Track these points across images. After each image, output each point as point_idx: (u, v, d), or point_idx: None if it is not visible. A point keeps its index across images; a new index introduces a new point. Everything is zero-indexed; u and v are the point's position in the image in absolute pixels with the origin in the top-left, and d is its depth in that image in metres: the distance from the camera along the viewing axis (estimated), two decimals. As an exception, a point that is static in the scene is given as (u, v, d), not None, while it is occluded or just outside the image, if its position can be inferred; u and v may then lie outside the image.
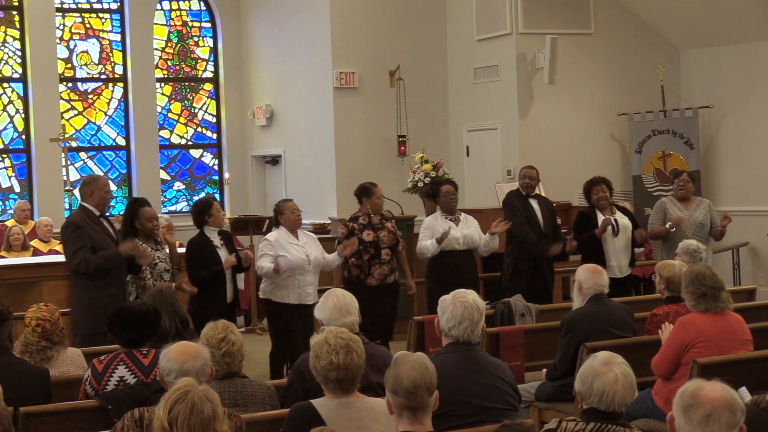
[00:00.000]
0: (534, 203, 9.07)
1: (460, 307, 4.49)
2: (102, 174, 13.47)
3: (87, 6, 14.33)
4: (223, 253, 7.89)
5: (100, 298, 7.19)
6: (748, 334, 5.76)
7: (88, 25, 14.28)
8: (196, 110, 15.01)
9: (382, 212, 8.55)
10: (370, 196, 8.42)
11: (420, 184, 11.40)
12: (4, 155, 13.75)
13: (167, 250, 7.77)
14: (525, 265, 8.88)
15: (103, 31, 14.35)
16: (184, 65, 14.92)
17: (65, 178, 12.50)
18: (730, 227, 9.19)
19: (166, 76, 14.80)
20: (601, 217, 8.78)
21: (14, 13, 13.75)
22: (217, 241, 7.91)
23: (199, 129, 15.04)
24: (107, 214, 7.77)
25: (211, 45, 15.05)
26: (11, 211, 13.16)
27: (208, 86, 15.06)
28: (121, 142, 14.47)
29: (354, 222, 8.44)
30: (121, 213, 9.52)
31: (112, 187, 14.29)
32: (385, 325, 8.30)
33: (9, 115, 13.74)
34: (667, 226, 8.86)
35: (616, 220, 8.78)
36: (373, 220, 8.40)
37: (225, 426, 3.16)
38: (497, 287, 9.11)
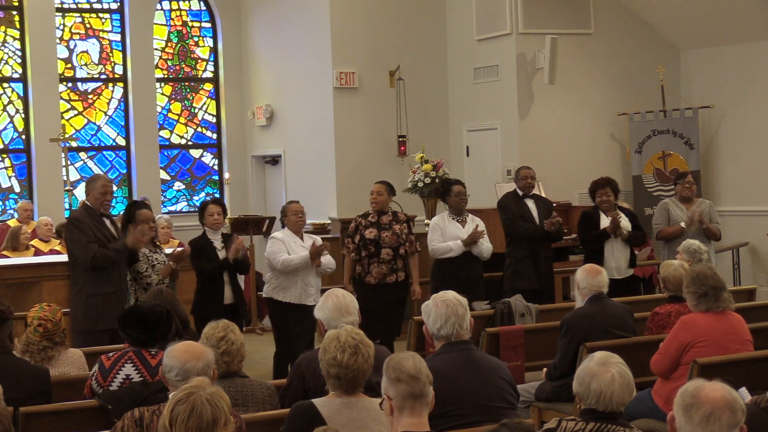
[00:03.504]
0: (530, 203, 9.07)
1: (443, 306, 4.54)
2: (103, 174, 13.44)
3: (87, 6, 14.33)
4: (222, 256, 7.97)
5: (98, 295, 7.24)
6: (749, 334, 5.77)
7: (88, 25, 14.28)
8: (196, 110, 15.01)
9: (398, 214, 8.55)
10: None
11: (420, 184, 11.40)
12: (4, 155, 13.75)
13: (167, 251, 7.80)
14: (522, 268, 8.86)
15: (103, 31, 14.35)
16: (184, 65, 14.92)
17: (65, 178, 12.49)
18: (730, 227, 9.21)
19: (166, 76, 14.80)
20: (603, 219, 8.79)
21: (14, 13, 13.75)
22: (218, 243, 8.03)
23: (199, 129, 15.04)
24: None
25: (211, 45, 15.05)
26: (11, 211, 13.17)
27: (208, 86, 15.07)
28: (121, 142, 14.47)
29: (363, 218, 8.50)
30: (121, 213, 9.53)
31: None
32: (388, 324, 8.28)
33: (9, 115, 13.74)
34: (681, 224, 8.86)
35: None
36: (381, 220, 8.42)
37: (228, 431, 3.10)
38: (498, 287, 9.09)
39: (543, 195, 11.61)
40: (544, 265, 8.94)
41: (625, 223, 8.84)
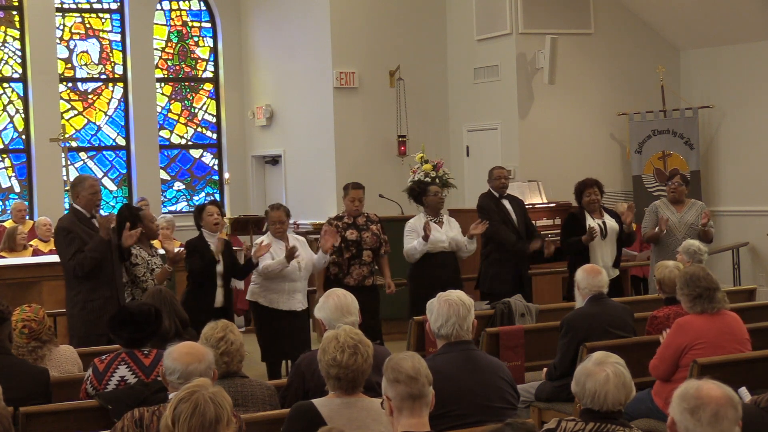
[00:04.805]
0: (507, 204, 8.98)
1: (445, 305, 4.56)
2: (92, 174, 13.38)
3: (87, 6, 14.33)
4: (218, 260, 7.86)
5: (95, 300, 7.13)
6: (746, 333, 5.76)
7: (88, 25, 14.28)
8: (196, 110, 15.01)
9: (369, 214, 8.49)
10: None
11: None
12: (4, 155, 13.75)
13: (161, 252, 7.75)
14: (506, 270, 8.76)
15: (103, 31, 14.35)
16: (184, 65, 14.92)
17: (65, 178, 12.48)
18: (730, 227, 9.16)
19: (166, 76, 14.80)
20: (589, 220, 8.73)
21: (14, 13, 13.75)
22: (215, 246, 7.88)
23: (199, 129, 15.04)
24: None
25: (211, 45, 15.05)
26: (10, 211, 13.16)
27: (208, 86, 15.07)
28: (121, 142, 14.47)
29: (338, 221, 8.40)
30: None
31: (112, 187, 14.30)
32: (366, 328, 8.19)
33: (9, 115, 13.74)
34: (656, 230, 8.80)
35: (604, 222, 8.73)
36: (358, 221, 8.37)
37: (230, 431, 3.10)
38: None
39: (542, 195, 11.64)
40: (524, 267, 8.89)
41: (614, 225, 8.81)
